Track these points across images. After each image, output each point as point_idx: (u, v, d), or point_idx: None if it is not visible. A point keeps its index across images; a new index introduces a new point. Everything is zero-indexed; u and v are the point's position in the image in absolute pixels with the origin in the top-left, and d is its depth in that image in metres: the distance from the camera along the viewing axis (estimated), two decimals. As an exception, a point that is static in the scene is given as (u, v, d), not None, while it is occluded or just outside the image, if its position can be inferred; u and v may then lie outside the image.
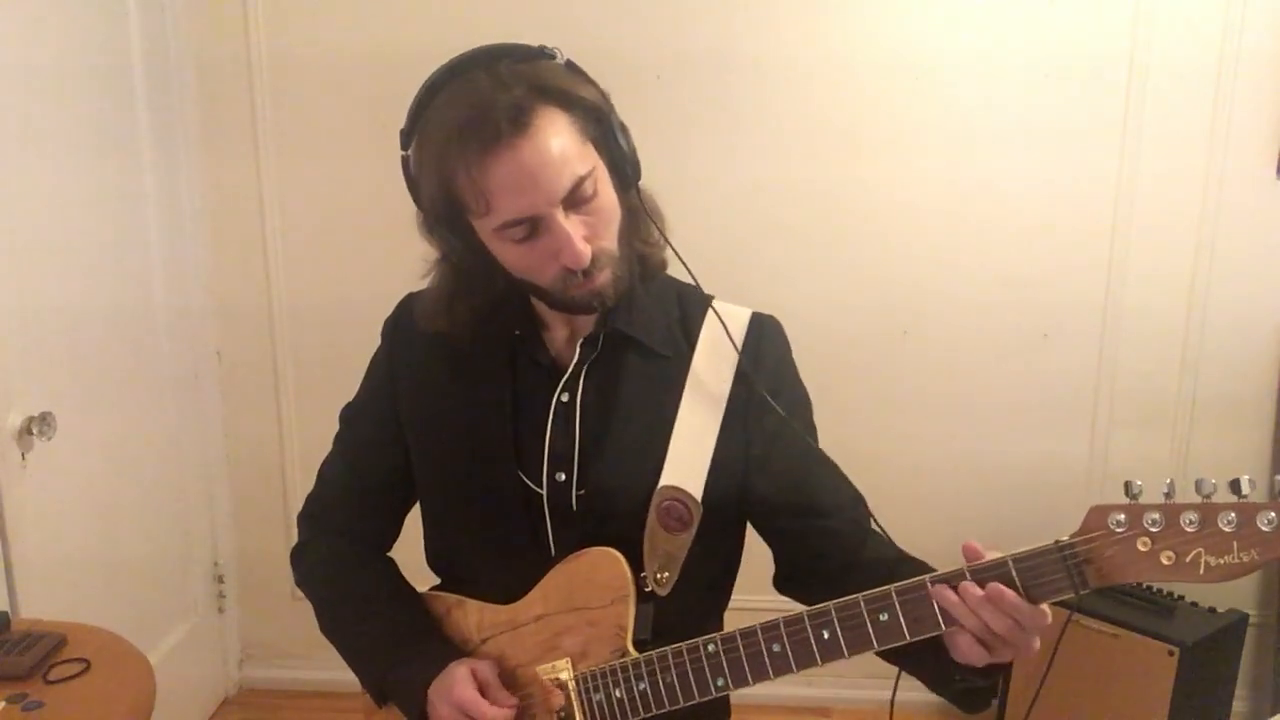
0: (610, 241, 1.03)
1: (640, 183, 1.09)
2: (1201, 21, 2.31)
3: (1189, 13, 2.31)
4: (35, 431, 1.89)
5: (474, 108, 0.95)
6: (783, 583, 1.19)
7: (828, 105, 2.42)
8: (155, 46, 2.37)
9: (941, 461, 2.57)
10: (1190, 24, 2.31)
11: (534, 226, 0.99)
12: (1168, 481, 0.86)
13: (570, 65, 1.02)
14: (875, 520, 1.14)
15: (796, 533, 1.14)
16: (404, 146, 1.04)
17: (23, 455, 1.90)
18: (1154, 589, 2.31)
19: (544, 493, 1.11)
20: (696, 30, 2.39)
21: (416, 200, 1.05)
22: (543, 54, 1.01)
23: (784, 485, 1.13)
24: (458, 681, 1.06)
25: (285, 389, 2.64)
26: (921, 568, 1.04)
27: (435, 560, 1.27)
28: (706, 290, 1.18)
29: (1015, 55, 2.36)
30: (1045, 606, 0.90)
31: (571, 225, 0.98)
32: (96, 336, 2.18)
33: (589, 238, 1.00)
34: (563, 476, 1.11)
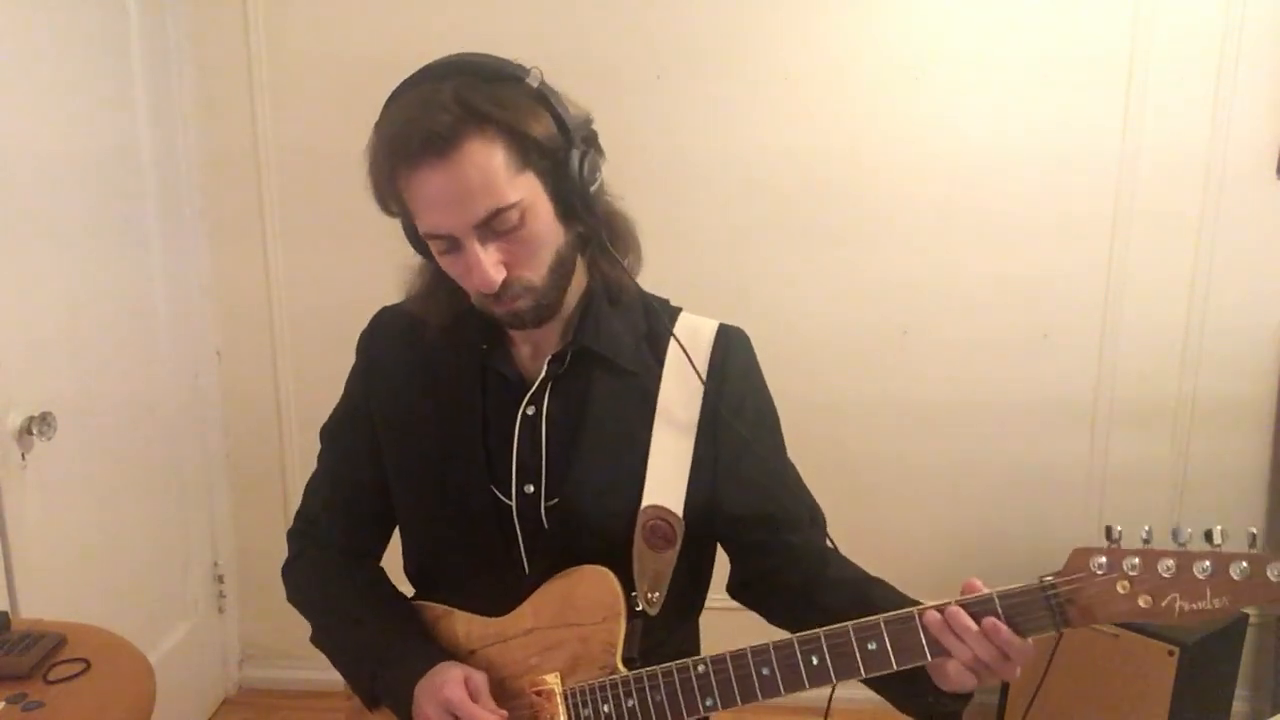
0: (534, 271, 1.03)
1: (619, 206, 1.10)
2: (1201, 21, 2.31)
3: (1189, 13, 2.31)
4: (35, 431, 1.89)
5: (406, 123, 0.97)
6: (737, 589, 1.21)
7: (827, 104, 2.42)
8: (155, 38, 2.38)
9: (941, 461, 2.56)
10: (1190, 24, 2.31)
11: (453, 243, 1.00)
12: (1146, 529, 0.90)
13: (540, 90, 1.01)
14: (830, 539, 1.16)
15: (756, 545, 1.16)
16: (368, 144, 1.05)
17: (23, 455, 1.90)
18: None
19: (513, 504, 1.12)
20: (696, 30, 2.39)
21: None
22: (512, 75, 1.00)
23: (748, 499, 1.14)
24: (449, 681, 1.06)
25: (285, 389, 2.64)
26: (890, 591, 1.06)
27: (412, 572, 1.27)
28: (697, 293, 1.20)
29: (1015, 55, 2.36)
30: (1030, 640, 0.94)
31: (486, 252, 0.99)
32: (96, 337, 2.18)
33: (508, 264, 1.01)
34: (531, 488, 1.12)
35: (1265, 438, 2.49)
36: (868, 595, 1.04)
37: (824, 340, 2.51)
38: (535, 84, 1.01)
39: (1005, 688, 2.39)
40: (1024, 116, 2.39)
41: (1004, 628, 0.91)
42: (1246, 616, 2.29)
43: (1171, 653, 2.12)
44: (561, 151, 1.01)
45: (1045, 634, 0.93)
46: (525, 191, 0.99)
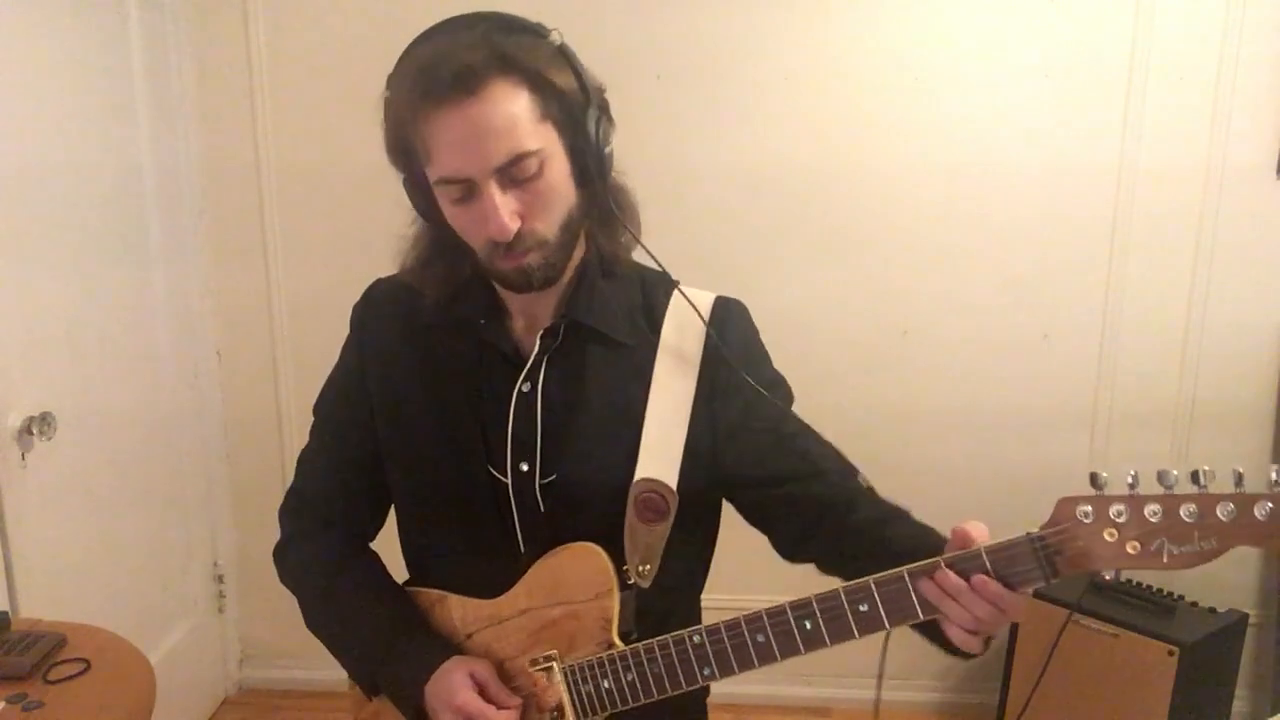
0: (546, 225, 1.02)
1: (622, 181, 1.10)
2: (1201, 21, 2.31)
3: (1189, 13, 2.31)
4: (35, 431, 1.89)
5: (435, 60, 0.96)
6: (790, 550, 1.16)
7: (827, 105, 2.42)
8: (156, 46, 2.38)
9: (941, 462, 2.56)
10: (1190, 24, 2.31)
11: (469, 189, 0.99)
12: (1132, 473, 0.89)
13: (561, 50, 1.02)
14: (866, 481, 1.12)
15: (780, 504, 1.13)
16: (387, 87, 1.04)
17: (23, 455, 1.90)
18: (1154, 589, 2.31)
19: (508, 481, 1.11)
20: (696, 30, 2.40)
21: (384, 137, 1.06)
22: (535, 31, 1.02)
23: (755, 458, 1.13)
24: (459, 688, 1.06)
25: (285, 389, 2.64)
26: (908, 526, 1.05)
27: (408, 552, 1.26)
28: (696, 284, 1.17)
29: (1015, 55, 2.37)
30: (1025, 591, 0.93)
31: (503, 198, 0.98)
32: (97, 337, 2.18)
33: (523, 215, 1.00)
34: (526, 466, 1.11)
35: (1265, 438, 2.49)
36: (884, 537, 1.03)
37: (824, 340, 2.51)
38: (557, 42, 1.02)
39: (1005, 688, 2.39)
40: (1024, 117, 2.39)
41: (993, 582, 0.91)
42: (1246, 616, 2.29)
43: (1171, 653, 2.12)
44: (580, 109, 1.02)
45: (1035, 586, 0.92)
46: (545, 141, 0.99)
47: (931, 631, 1.00)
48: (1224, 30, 2.30)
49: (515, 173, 0.98)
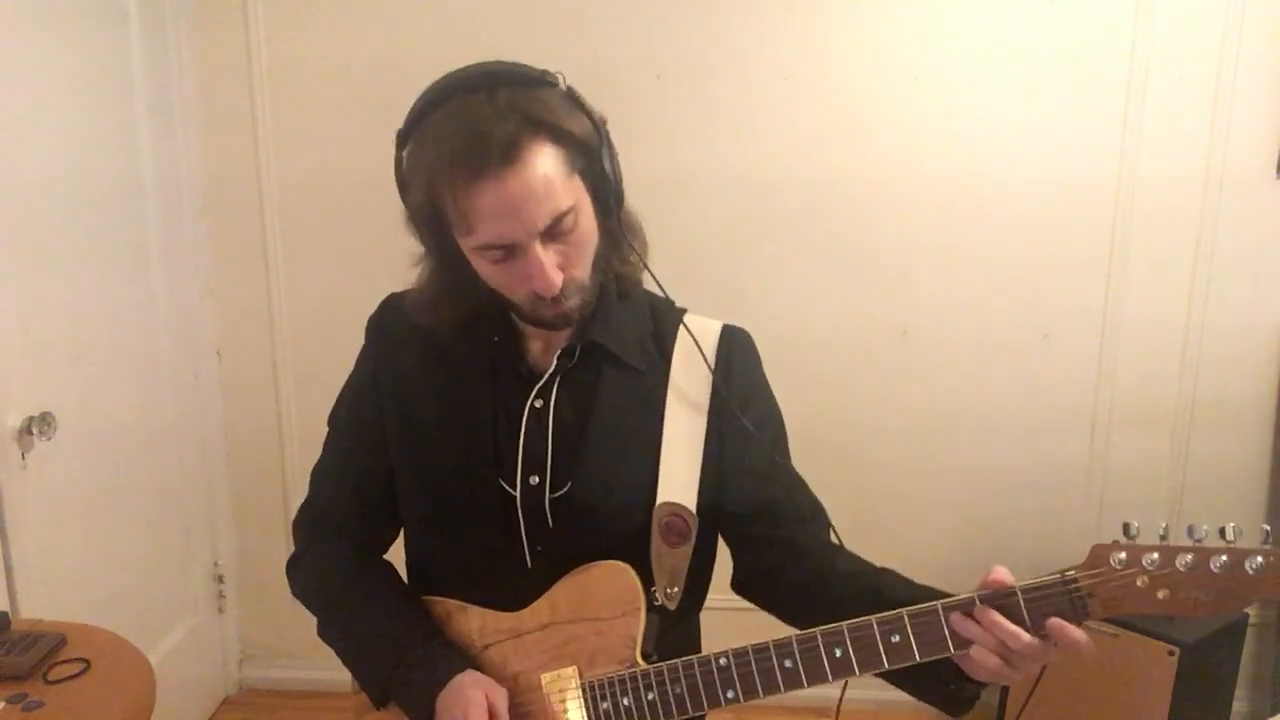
0: (583, 270, 1.06)
1: (630, 204, 1.11)
2: (1201, 21, 2.31)
3: (1189, 13, 2.31)
4: (35, 431, 1.89)
5: (469, 134, 0.96)
6: (744, 585, 1.22)
7: (827, 105, 2.42)
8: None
9: (941, 462, 2.56)
10: (1190, 24, 2.31)
11: (510, 251, 1.01)
12: (1163, 525, 0.93)
13: (569, 93, 1.03)
14: (834, 530, 1.17)
15: (762, 539, 1.17)
16: (398, 148, 1.05)
17: (23, 455, 1.90)
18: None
19: (517, 494, 1.12)
20: (696, 30, 2.39)
21: (404, 200, 1.06)
22: (544, 81, 1.02)
23: (753, 492, 1.16)
24: (472, 706, 1.05)
25: (285, 389, 2.64)
26: (899, 579, 1.08)
27: (413, 563, 1.27)
28: (698, 293, 1.20)
29: (1015, 55, 2.36)
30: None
31: (546, 255, 1.00)
32: (96, 336, 2.18)
33: (563, 266, 1.03)
34: (536, 479, 1.13)
35: (1265, 438, 2.49)
36: (877, 585, 1.06)
37: (824, 341, 2.51)
38: (564, 88, 1.03)
39: (1005, 688, 2.39)
40: (1024, 117, 2.39)
41: (1050, 623, 0.93)
42: (1247, 616, 2.29)
43: (1171, 653, 2.12)
44: (596, 153, 1.03)
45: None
46: (576, 195, 1.02)
47: (927, 689, 1.04)
48: (1224, 30, 2.30)
49: (556, 231, 1.00)
